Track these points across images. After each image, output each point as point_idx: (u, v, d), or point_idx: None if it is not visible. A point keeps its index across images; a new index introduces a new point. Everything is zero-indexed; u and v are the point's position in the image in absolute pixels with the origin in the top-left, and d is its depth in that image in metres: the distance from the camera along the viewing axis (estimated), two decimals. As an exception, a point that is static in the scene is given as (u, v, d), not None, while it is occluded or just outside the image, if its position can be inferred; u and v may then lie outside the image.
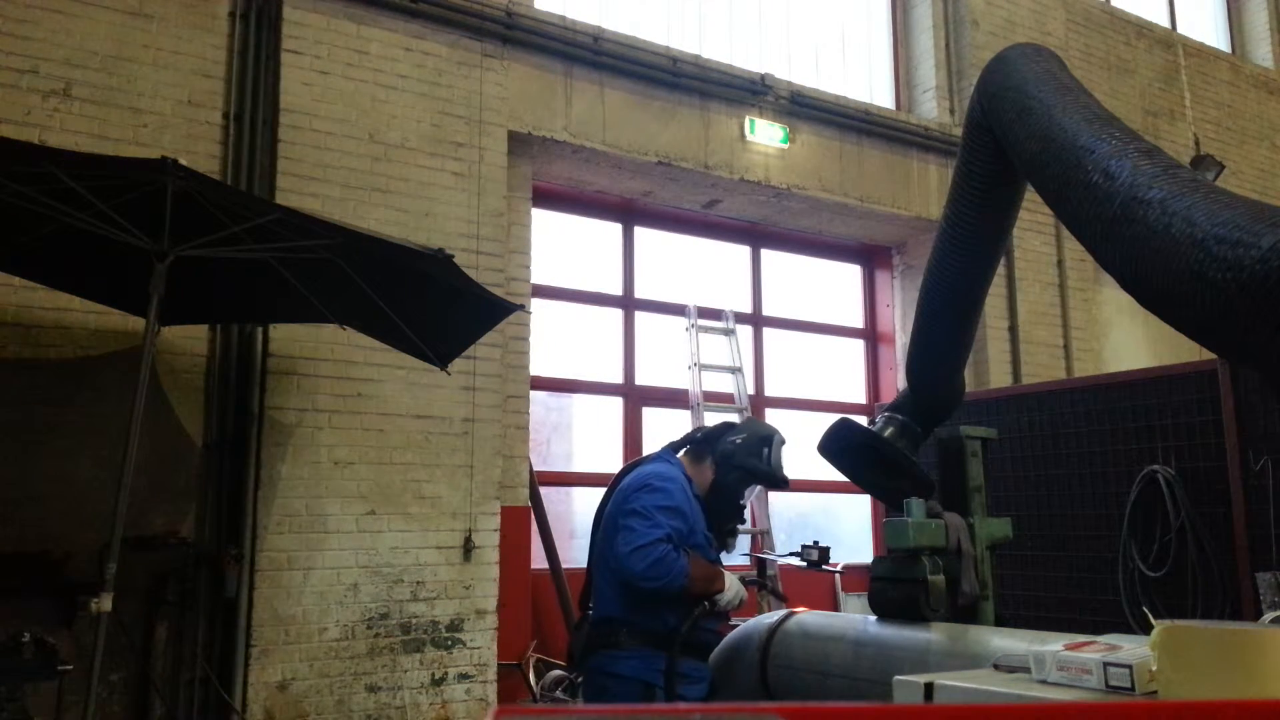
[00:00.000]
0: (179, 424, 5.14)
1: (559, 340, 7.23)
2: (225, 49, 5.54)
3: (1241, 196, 2.21)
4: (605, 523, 3.32)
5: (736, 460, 3.42)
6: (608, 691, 3.12)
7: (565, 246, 7.44)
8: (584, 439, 7.62)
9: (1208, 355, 4.12)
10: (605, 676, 3.12)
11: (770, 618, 3.92)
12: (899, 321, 8.47)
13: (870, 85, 8.60)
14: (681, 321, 7.55)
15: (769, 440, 3.47)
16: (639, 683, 3.03)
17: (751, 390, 7.77)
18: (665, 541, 3.05)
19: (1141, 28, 9.96)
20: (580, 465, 7.45)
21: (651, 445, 7.59)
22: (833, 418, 4.13)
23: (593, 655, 3.16)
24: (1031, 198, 3.54)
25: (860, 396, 8.64)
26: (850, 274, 8.89)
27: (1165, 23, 10.52)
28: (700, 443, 3.50)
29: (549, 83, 6.61)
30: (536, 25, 6.54)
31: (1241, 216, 2.05)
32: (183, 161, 3.69)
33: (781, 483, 3.53)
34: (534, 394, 6.57)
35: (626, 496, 3.20)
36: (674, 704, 3.09)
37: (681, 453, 3.52)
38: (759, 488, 3.69)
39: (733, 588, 3.28)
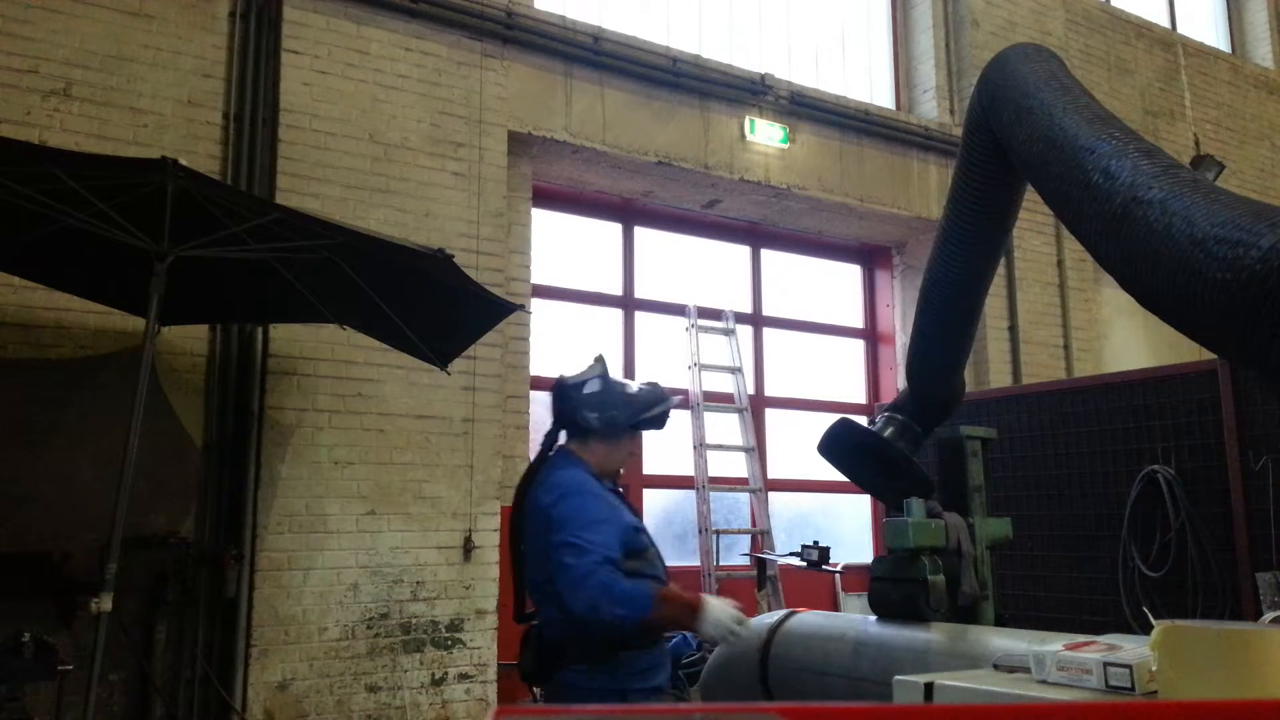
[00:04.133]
0: (179, 424, 5.14)
1: (559, 340, 7.23)
2: (225, 49, 5.54)
3: (1241, 196, 2.21)
4: (533, 545, 3.06)
5: (621, 422, 3.19)
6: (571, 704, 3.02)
7: (565, 246, 7.44)
8: (584, 439, 7.61)
9: (1208, 355, 4.12)
10: (567, 689, 2.99)
11: (770, 618, 3.92)
12: (899, 321, 8.47)
13: (870, 85, 8.60)
14: (681, 321, 7.55)
15: (604, 378, 3.21)
16: (608, 692, 2.91)
17: (751, 390, 7.77)
18: (605, 566, 2.81)
19: (1141, 28, 9.96)
20: (580, 465, 7.45)
21: (651, 445, 7.60)
22: (833, 418, 4.13)
23: (554, 671, 3.02)
24: (1031, 198, 3.54)
25: (860, 396, 8.64)
26: (850, 274, 8.88)
27: (1165, 23, 10.52)
28: (571, 426, 3.23)
29: (549, 83, 6.61)
30: (536, 25, 6.54)
31: (1241, 216, 2.05)
32: (183, 161, 3.69)
33: (665, 408, 3.29)
34: (534, 394, 6.56)
35: (548, 522, 2.96)
36: (674, 704, 3.07)
37: (567, 441, 3.27)
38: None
39: (717, 622, 2.88)
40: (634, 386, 3.27)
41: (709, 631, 2.89)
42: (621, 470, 3.31)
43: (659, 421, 3.30)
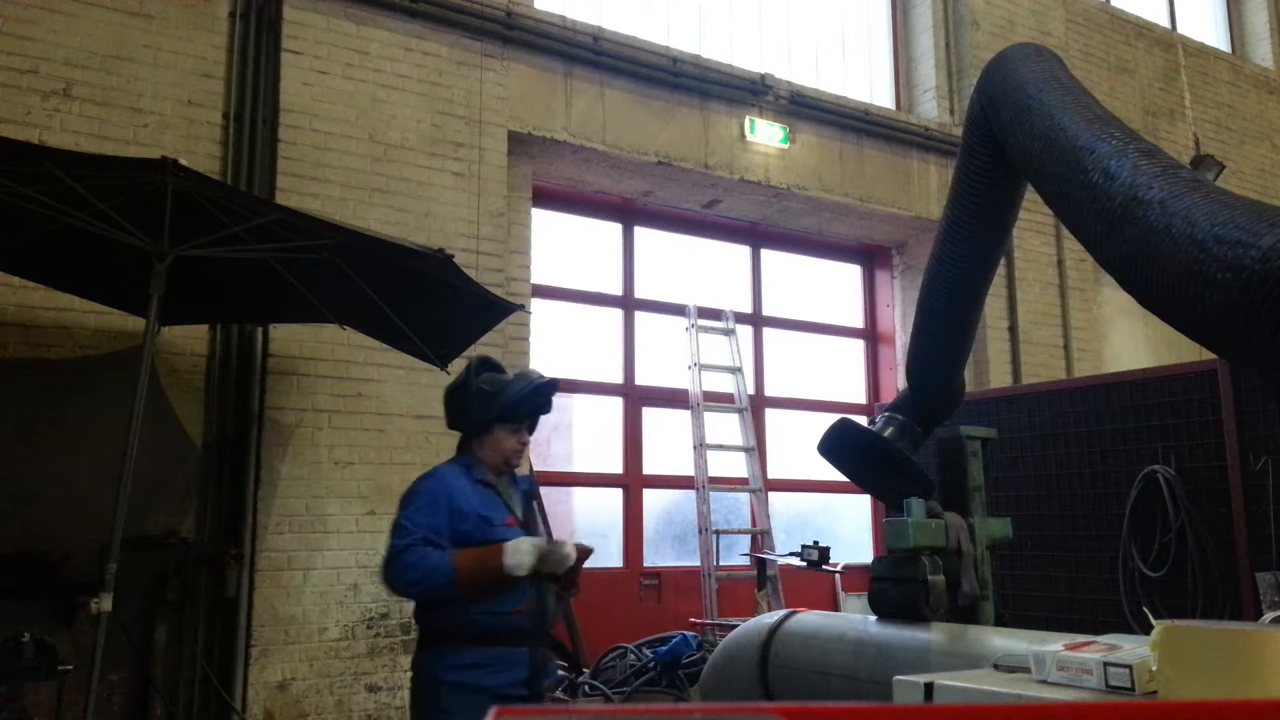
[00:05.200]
0: (179, 424, 5.13)
1: (559, 340, 7.23)
2: (225, 49, 5.53)
3: (1241, 196, 2.21)
4: None
5: (477, 419, 3.19)
6: (413, 690, 3.11)
7: (565, 246, 7.44)
8: (584, 439, 7.62)
9: (1208, 355, 4.12)
10: (413, 675, 3.12)
11: (770, 618, 3.92)
12: (899, 321, 8.47)
13: (870, 85, 8.60)
14: (681, 321, 7.55)
15: (464, 381, 3.22)
16: (429, 678, 3.00)
17: (751, 390, 7.77)
18: (420, 545, 2.93)
19: (1141, 28, 9.96)
20: (580, 465, 7.46)
21: (651, 445, 7.61)
22: (833, 418, 4.13)
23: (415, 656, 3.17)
24: (1031, 198, 3.54)
25: (860, 396, 8.64)
26: (850, 274, 8.89)
27: (1165, 23, 10.52)
28: (460, 434, 3.30)
29: (549, 83, 6.61)
30: (536, 25, 6.54)
31: (1241, 216, 2.05)
32: (183, 161, 3.69)
33: (517, 397, 3.18)
34: (534, 394, 6.56)
35: None
36: (675, 704, 3.06)
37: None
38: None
39: (515, 551, 2.93)
40: (496, 381, 3.22)
41: (511, 567, 2.90)
42: (511, 461, 3.25)
43: (518, 411, 3.21)
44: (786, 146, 7.50)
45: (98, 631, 3.69)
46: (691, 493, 7.22)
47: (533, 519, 3.29)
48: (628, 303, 7.67)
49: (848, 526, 8.48)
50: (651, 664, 6.13)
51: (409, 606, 5.48)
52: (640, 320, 7.70)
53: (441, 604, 3.00)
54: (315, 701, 5.17)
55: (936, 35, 8.60)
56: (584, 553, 3.09)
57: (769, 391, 8.19)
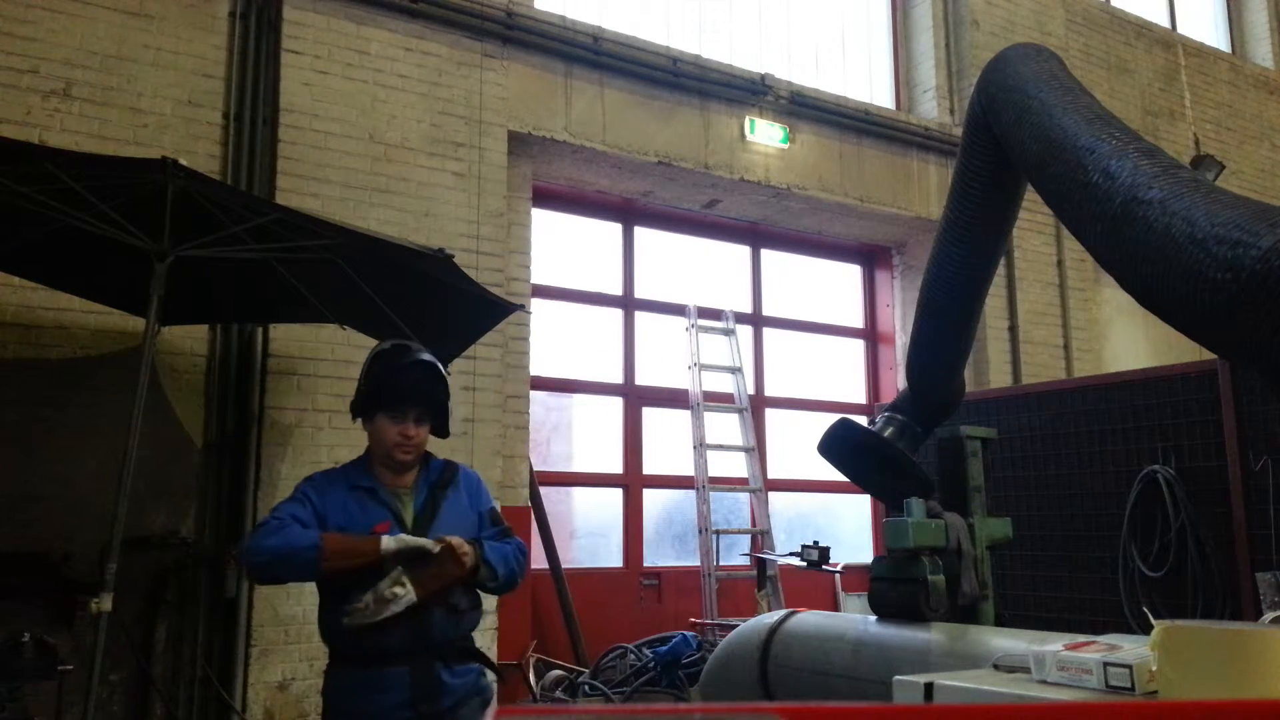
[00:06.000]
0: (179, 424, 5.13)
1: (559, 340, 7.23)
2: (225, 49, 5.53)
3: (1242, 196, 2.21)
4: None
5: (365, 405, 2.96)
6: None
7: (565, 246, 7.44)
8: (584, 439, 7.62)
9: (1208, 355, 4.12)
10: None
11: (770, 618, 3.93)
12: (899, 321, 8.47)
13: (870, 85, 8.60)
14: (681, 321, 7.55)
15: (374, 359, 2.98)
16: (323, 698, 2.83)
17: (751, 390, 7.77)
18: (288, 521, 2.77)
19: (1141, 28, 9.96)
20: (580, 465, 7.45)
21: (651, 445, 7.61)
22: (833, 418, 4.13)
23: None
24: (1031, 197, 3.54)
25: (860, 396, 8.64)
26: (850, 274, 8.89)
27: (1165, 23, 10.52)
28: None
29: (549, 83, 6.61)
30: (536, 25, 6.54)
31: (1241, 216, 2.05)
32: (183, 161, 3.69)
33: (409, 369, 2.92)
34: (534, 394, 6.56)
35: None
36: (675, 704, 3.05)
37: None
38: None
39: (391, 546, 2.71)
40: (378, 366, 2.99)
41: (388, 544, 2.75)
42: (394, 455, 2.99)
43: (391, 396, 2.92)
44: (786, 146, 7.50)
45: (98, 631, 3.68)
46: (691, 493, 7.22)
47: (434, 511, 2.97)
48: (628, 303, 7.67)
49: (848, 526, 8.48)
50: (651, 664, 6.13)
51: (409, 606, 5.49)
52: (640, 320, 7.70)
53: (326, 615, 2.81)
54: (315, 701, 5.17)
55: (936, 35, 8.60)
56: (449, 550, 2.79)
57: (769, 391, 8.19)
